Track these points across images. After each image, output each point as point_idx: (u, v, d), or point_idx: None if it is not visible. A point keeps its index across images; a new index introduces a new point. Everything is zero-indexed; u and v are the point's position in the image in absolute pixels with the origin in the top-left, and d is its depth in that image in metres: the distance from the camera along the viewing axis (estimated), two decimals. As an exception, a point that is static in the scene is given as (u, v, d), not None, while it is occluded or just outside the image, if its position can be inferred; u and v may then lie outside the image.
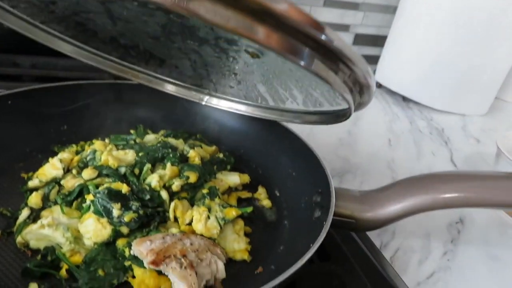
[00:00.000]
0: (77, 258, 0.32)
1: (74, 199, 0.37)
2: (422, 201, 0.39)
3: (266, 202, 0.44)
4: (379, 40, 1.14)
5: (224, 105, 0.48)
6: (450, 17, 0.81)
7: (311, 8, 1.02)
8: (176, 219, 0.37)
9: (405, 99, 0.94)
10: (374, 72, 1.00)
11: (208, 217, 0.37)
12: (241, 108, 0.48)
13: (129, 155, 0.41)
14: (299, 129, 0.70)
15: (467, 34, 0.81)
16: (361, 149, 0.70)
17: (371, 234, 0.50)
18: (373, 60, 1.12)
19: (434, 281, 0.44)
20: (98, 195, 0.35)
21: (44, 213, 0.35)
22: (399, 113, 0.87)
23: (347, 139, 0.73)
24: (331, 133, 0.73)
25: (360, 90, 0.34)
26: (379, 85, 0.99)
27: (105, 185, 0.36)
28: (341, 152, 0.68)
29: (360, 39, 1.13)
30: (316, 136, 0.71)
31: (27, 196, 0.38)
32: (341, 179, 0.60)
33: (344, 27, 1.10)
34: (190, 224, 0.37)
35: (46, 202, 0.37)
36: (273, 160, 0.49)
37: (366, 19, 1.10)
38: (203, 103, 0.48)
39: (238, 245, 0.37)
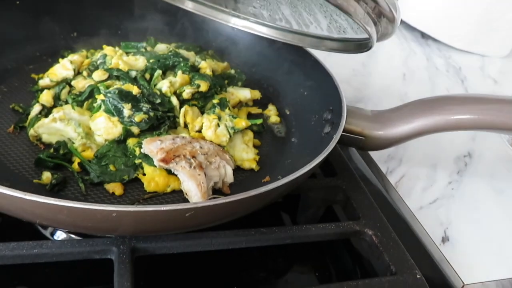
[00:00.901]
0: (89, 153, 0.33)
1: (85, 100, 0.37)
2: (433, 122, 0.38)
3: (275, 119, 0.44)
4: (403, -27, 1.07)
5: (245, 25, 0.46)
6: None
7: None
8: (186, 125, 0.37)
9: (424, 35, 0.91)
10: (395, 6, 0.95)
11: (218, 125, 0.37)
12: (262, 30, 0.46)
13: (140, 61, 0.40)
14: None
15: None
16: (374, 81, 0.69)
17: (379, 160, 0.50)
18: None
19: (436, 206, 0.45)
20: (109, 94, 0.35)
21: (55, 110, 0.35)
22: (416, 49, 0.84)
23: (361, 70, 0.71)
24: (345, 63, 0.71)
25: (384, 22, 0.33)
26: (398, 20, 0.95)
27: (116, 86, 0.36)
28: (354, 83, 0.66)
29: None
30: (329, 65, 0.69)
31: (38, 95, 0.38)
32: (352, 107, 0.60)
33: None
34: (199, 131, 0.37)
35: (57, 101, 0.37)
36: (285, 79, 0.48)
37: None
38: (230, 24, 0.46)
39: (246, 154, 0.37)
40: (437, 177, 0.50)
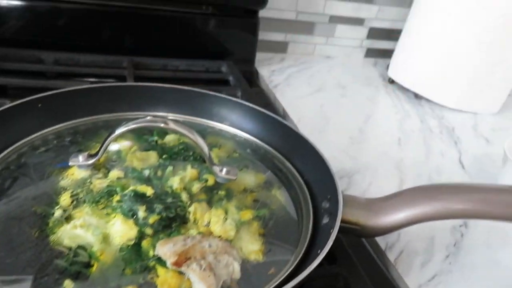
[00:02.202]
0: (107, 257, 0.35)
1: (101, 199, 0.40)
2: (426, 211, 0.41)
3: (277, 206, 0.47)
4: (393, 34, 1.14)
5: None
6: (465, 13, 0.82)
7: (326, 2, 1.03)
8: (195, 220, 0.40)
9: (417, 96, 0.95)
10: (388, 67, 1.00)
11: (226, 219, 0.40)
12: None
13: (152, 157, 0.44)
14: (310, 128, 0.73)
15: (482, 30, 0.81)
16: (371, 148, 0.72)
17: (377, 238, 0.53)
18: (387, 54, 1.13)
19: (435, 283, 0.47)
20: (125, 197, 0.38)
21: (75, 213, 0.38)
22: (410, 111, 0.89)
23: (358, 137, 0.75)
24: (343, 132, 0.75)
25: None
26: (391, 81, 1.00)
27: (131, 188, 0.39)
28: (351, 151, 0.70)
29: (375, 33, 1.14)
30: (328, 135, 0.73)
31: (57, 194, 0.41)
32: (350, 179, 0.63)
33: (359, 21, 1.10)
34: (208, 225, 0.40)
35: (76, 201, 0.40)
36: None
37: (381, 12, 1.10)
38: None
39: (252, 246, 0.40)
40: (434, 250, 0.52)
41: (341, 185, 0.62)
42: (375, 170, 0.66)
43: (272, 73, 0.96)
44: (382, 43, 1.14)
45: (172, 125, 0.40)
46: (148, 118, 0.41)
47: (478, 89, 0.88)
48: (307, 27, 1.06)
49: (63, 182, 0.42)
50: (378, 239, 0.52)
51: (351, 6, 1.06)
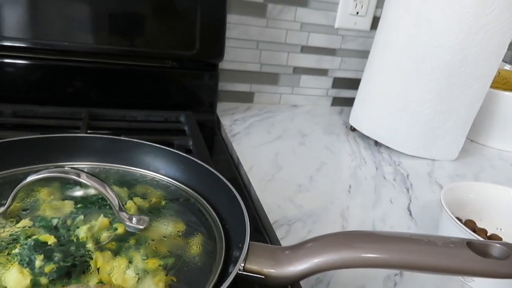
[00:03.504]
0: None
1: (6, 248, 0.40)
2: (333, 259, 0.41)
3: (196, 251, 0.47)
4: (356, 84, 1.17)
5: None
6: (413, 65, 0.85)
7: (289, 54, 1.07)
8: (98, 269, 0.40)
9: (377, 143, 0.97)
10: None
11: (128, 268, 0.40)
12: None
13: (68, 206, 0.45)
14: (261, 177, 0.73)
15: (429, 82, 0.84)
16: (318, 196, 0.73)
17: (306, 284, 0.52)
18: (352, 102, 1.16)
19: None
20: (25, 246, 0.39)
21: (-24, 261, 0.39)
22: (367, 158, 0.90)
23: (308, 185, 0.75)
24: (293, 180, 0.76)
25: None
26: (353, 129, 1.02)
27: (33, 237, 0.40)
28: (297, 200, 0.70)
29: (339, 83, 1.17)
30: (277, 183, 0.74)
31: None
32: (290, 227, 0.62)
33: (323, 72, 1.14)
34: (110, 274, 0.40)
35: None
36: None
37: (343, 64, 1.14)
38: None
39: (155, 295, 0.39)
40: (365, 302, 0.51)
41: (279, 233, 0.62)
42: (318, 218, 0.66)
43: (234, 122, 0.98)
44: (347, 92, 1.17)
45: (84, 177, 0.42)
46: (61, 169, 0.42)
47: (433, 137, 0.89)
48: (271, 78, 1.10)
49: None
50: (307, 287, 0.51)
51: (314, 58, 1.10)
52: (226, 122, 0.97)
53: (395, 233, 0.44)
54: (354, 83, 1.15)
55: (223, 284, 0.37)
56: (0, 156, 0.52)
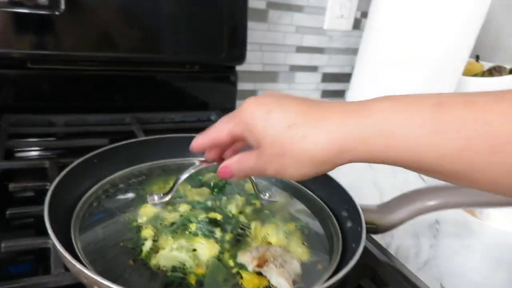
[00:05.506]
0: (200, 270, 0.45)
1: (178, 229, 0.49)
2: (419, 207, 0.55)
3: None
4: (341, 77, 1.34)
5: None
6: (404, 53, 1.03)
7: (286, 54, 1.20)
8: (255, 235, 0.51)
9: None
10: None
11: (278, 231, 0.51)
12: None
13: (206, 192, 0.55)
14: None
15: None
16: (347, 172, 0.87)
17: (377, 238, 0.66)
18: (339, 94, 1.32)
19: (429, 267, 0.61)
20: (201, 223, 0.48)
21: (161, 242, 0.47)
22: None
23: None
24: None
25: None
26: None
27: (204, 215, 0.49)
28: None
29: (327, 77, 1.33)
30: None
31: (136, 229, 0.49)
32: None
33: (314, 68, 1.29)
34: (265, 237, 0.51)
35: (156, 233, 0.49)
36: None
37: (330, 60, 1.30)
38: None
39: (300, 249, 0.51)
40: (421, 243, 0.67)
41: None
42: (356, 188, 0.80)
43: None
44: (335, 85, 1.34)
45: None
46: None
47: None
48: (271, 76, 1.23)
49: (140, 219, 0.51)
50: (377, 239, 0.66)
51: (306, 56, 1.25)
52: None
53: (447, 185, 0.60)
54: (339, 77, 1.32)
55: (361, 231, 0.49)
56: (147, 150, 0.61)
